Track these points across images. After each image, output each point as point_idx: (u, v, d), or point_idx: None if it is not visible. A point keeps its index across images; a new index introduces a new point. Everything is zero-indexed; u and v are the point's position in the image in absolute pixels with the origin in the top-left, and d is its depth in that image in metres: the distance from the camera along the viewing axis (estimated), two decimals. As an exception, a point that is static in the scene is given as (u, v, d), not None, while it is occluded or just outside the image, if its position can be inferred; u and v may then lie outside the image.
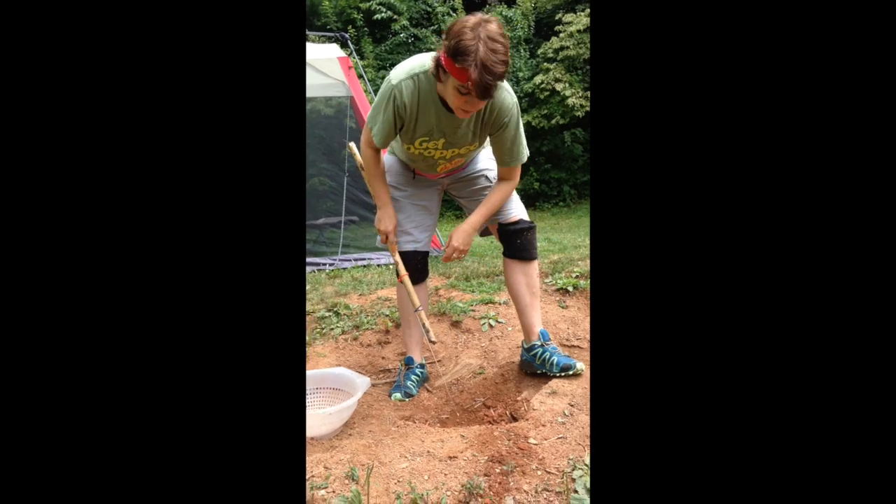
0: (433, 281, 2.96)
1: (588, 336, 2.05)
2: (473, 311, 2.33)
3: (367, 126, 1.49)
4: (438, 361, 1.98)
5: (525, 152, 1.51)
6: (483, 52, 1.17)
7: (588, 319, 2.23)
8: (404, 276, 1.57)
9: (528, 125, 8.43)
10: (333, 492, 1.07)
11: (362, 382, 1.38)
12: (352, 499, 1.03)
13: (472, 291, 2.70)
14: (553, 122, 8.12)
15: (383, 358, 2.04)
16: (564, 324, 2.18)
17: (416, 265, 1.66)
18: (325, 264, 3.64)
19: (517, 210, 1.63)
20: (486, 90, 1.21)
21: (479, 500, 1.05)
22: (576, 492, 1.06)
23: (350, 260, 3.68)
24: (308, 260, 3.65)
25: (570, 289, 2.65)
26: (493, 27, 1.20)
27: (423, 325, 1.55)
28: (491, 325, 2.17)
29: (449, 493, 1.07)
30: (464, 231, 1.57)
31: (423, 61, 1.38)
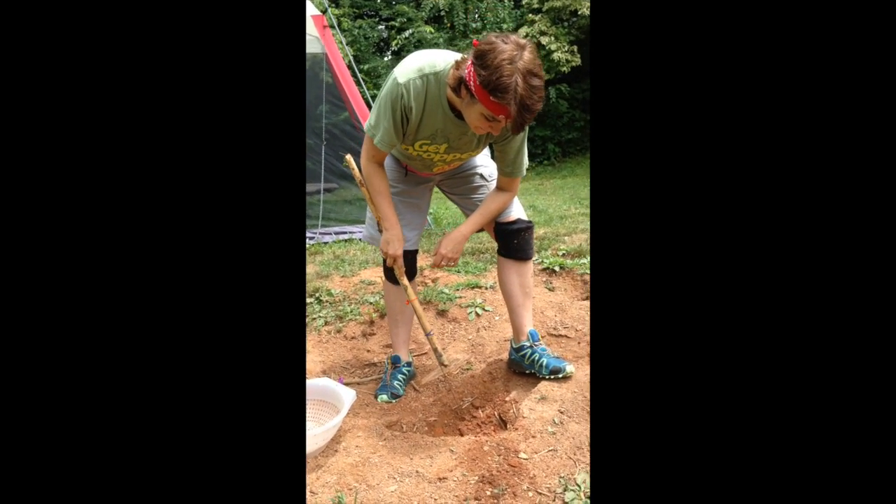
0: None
1: (576, 325, 2.03)
2: (460, 297, 2.29)
3: (368, 136, 1.39)
4: (425, 354, 1.95)
5: (526, 164, 1.47)
6: (523, 89, 1.11)
7: (575, 305, 2.20)
8: (413, 300, 1.51)
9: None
10: (321, 524, 1.04)
11: (348, 396, 1.34)
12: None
13: (458, 272, 2.65)
14: (538, 77, 7.89)
15: (368, 351, 1.99)
16: (552, 310, 2.15)
17: (406, 263, 1.59)
18: (306, 238, 3.53)
19: (515, 209, 1.56)
20: (521, 126, 1.17)
21: (471, 529, 1.04)
22: (568, 518, 1.05)
23: (331, 233, 3.59)
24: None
25: (557, 269, 2.62)
26: (529, 56, 1.13)
27: (435, 349, 1.50)
28: (478, 314, 2.13)
29: (439, 521, 1.06)
30: (454, 239, 1.51)
31: (432, 61, 1.28)
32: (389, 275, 1.62)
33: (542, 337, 1.99)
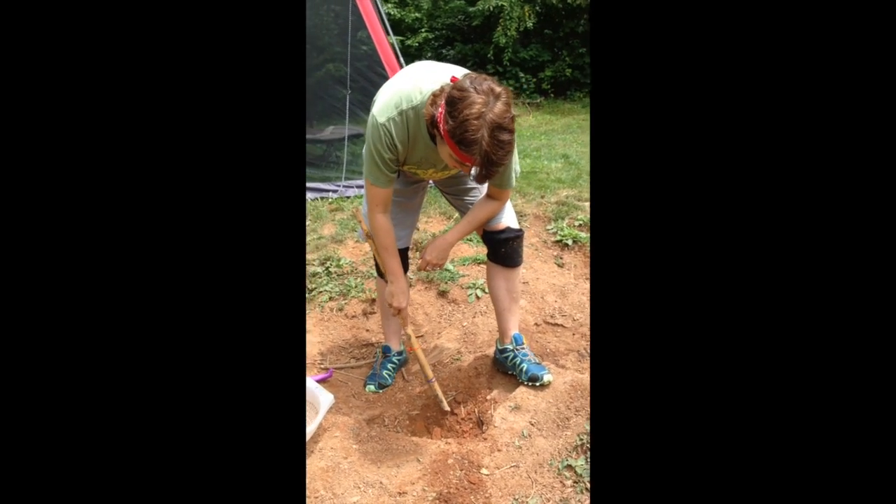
0: (433, 224, 2.89)
1: (574, 314, 2.01)
2: (463, 274, 2.29)
3: (368, 183, 1.38)
4: (420, 336, 2.00)
5: (516, 176, 1.43)
6: (489, 144, 1.09)
7: (578, 289, 2.16)
8: (417, 349, 1.56)
9: (562, 0, 7.58)
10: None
11: (325, 400, 1.41)
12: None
13: (468, 241, 2.63)
14: (590, -2, 7.23)
15: (367, 331, 2.06)
16: (553, 295, 2.13)
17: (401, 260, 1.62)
18: (329, 191, 3.57)
19: (506, 217, 1.53)
20: (487, 178, 1.17)
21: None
22: (510, 547, 1.11)
23: (353, 187, 3.59)
24: (311, 185, 3.57)
25: (570, 242, 2.56)
26: (500, 107, 1.09)
27: (437, 395, 1.56)
28: (477, 297, 2.14)
29: (391, 538, 1.14)
30: (439, 247, 1.52)
31: (409, 95, 1.26)
32: (380, 272, 1.64)
33: (538, 325, 1.99)
